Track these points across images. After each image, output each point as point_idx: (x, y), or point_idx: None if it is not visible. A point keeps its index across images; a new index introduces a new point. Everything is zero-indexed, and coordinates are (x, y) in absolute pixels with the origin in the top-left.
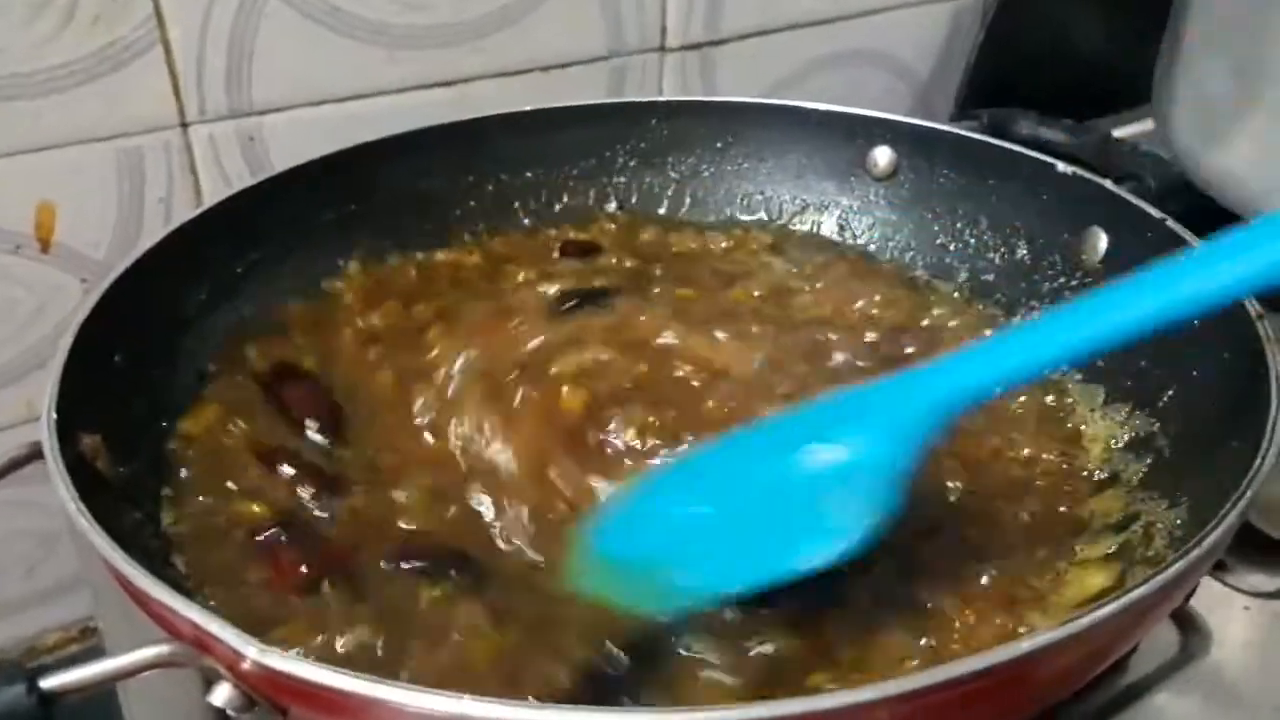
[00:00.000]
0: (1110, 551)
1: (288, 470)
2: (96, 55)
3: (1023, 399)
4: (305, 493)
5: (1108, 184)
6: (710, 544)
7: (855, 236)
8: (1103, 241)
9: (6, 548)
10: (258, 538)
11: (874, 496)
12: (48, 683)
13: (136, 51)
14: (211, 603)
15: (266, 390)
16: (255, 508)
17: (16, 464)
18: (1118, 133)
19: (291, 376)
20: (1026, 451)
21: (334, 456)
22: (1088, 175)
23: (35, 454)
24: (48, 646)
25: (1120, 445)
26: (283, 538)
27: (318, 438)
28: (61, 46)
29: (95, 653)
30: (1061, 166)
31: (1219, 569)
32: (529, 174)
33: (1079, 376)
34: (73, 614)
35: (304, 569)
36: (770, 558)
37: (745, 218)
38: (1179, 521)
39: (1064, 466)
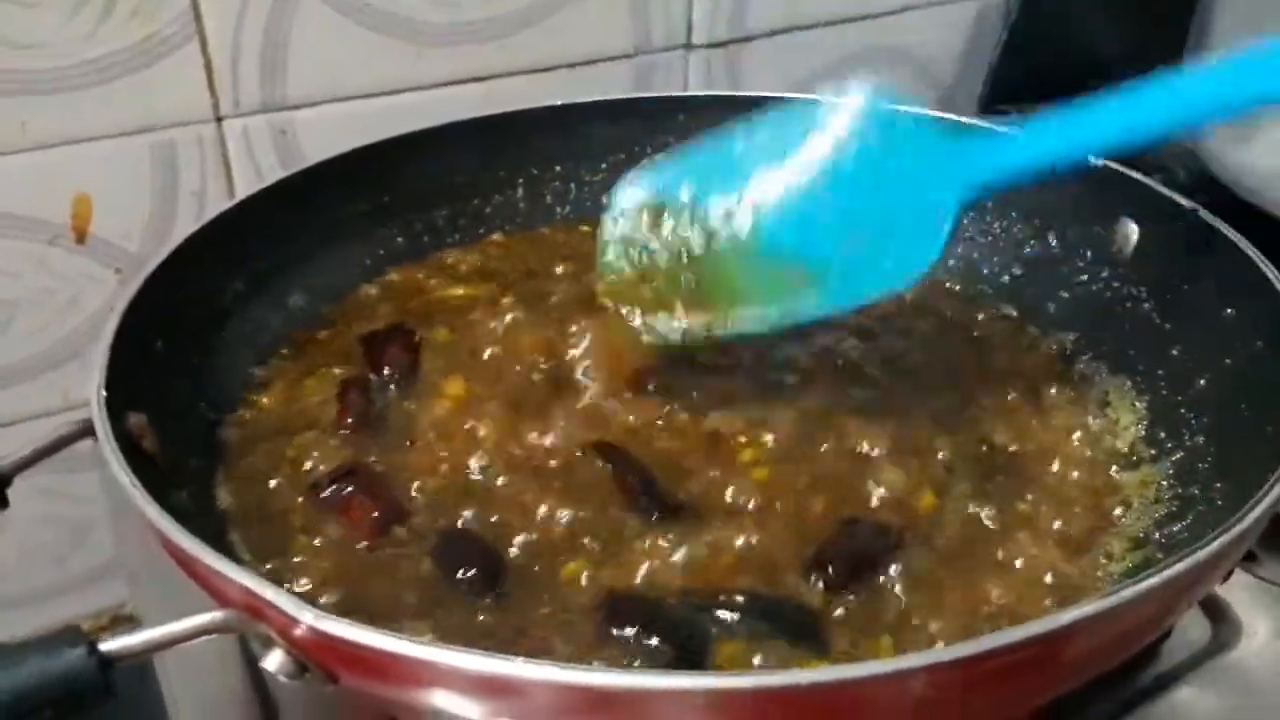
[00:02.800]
0: (1143, 535)
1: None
2: (134, 49)
3: (1053, 390)
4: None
5: (1138, 175)
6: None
7: None
8: (1134, 233)
9: (37, 536)
10: (323, 494)
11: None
12: (107, 646)
13: (173, 45)
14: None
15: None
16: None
17: (66, 441)
18: None
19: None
20: (1058, 441)
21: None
22: (1117, 167)
23: (85, 431)
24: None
25: (1153, 434)
26: (349, 488)
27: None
28: (100, 40)
29: None
30: (1092, 159)
31: (1251, 561)
32: (559, 168)
33: (1109, 366)
34: (102, 603)
35: (375, 514)
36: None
37: None
38: (1218, 504)
39: (1099, 456)
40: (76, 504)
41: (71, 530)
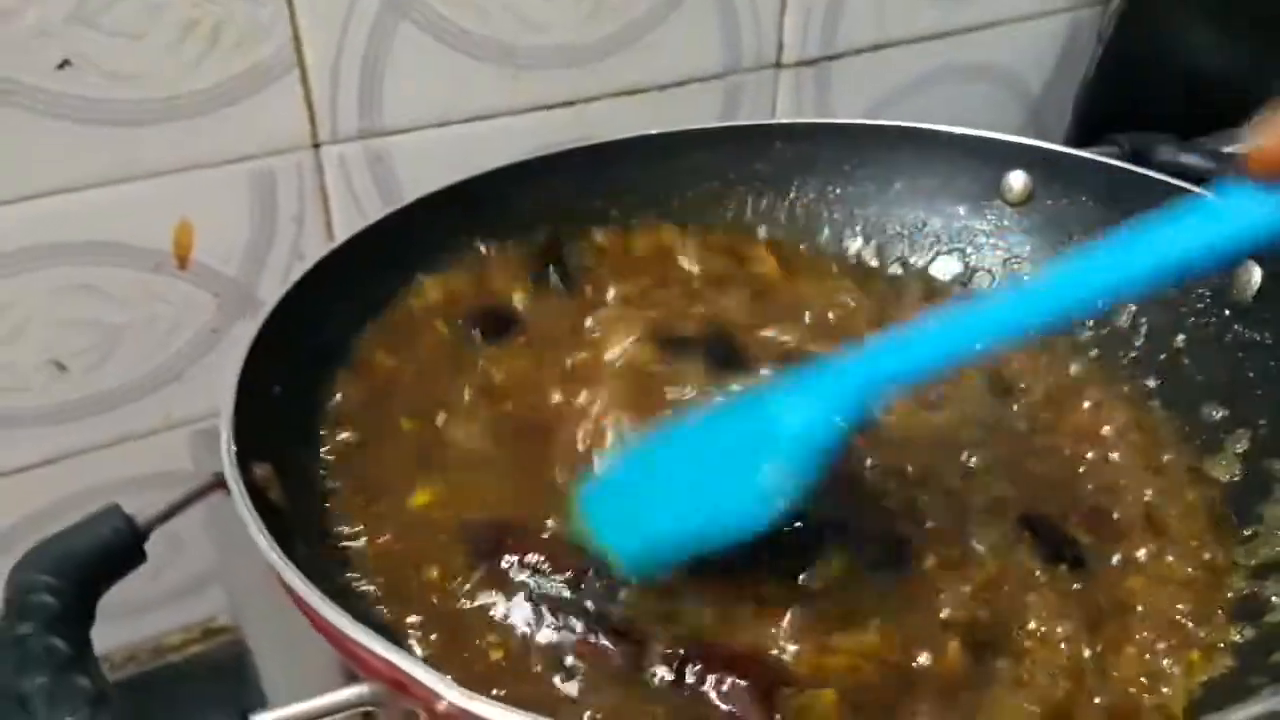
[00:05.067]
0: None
1: None
2: (237, 79)
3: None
4: None
5: None
6: (675, 506)
7: (987, 261)
8: (1256, 275)
9: None
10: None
11: (798, 467)
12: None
13: (274, 75)
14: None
15: None
16: None
17: (199, 494)
18: (1241, 148)
19: None
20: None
21: None
22: None
23: (216, 484)
24: (173, 646)
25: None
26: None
27: None
28: (204, 71)
29: (220, 652)
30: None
31: None
32: (665, 194)
33: (1231, 413)
34: (194, 615)
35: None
36: (718, 520)
37: (867, 242)
38: None
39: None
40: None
41: (166, 544)
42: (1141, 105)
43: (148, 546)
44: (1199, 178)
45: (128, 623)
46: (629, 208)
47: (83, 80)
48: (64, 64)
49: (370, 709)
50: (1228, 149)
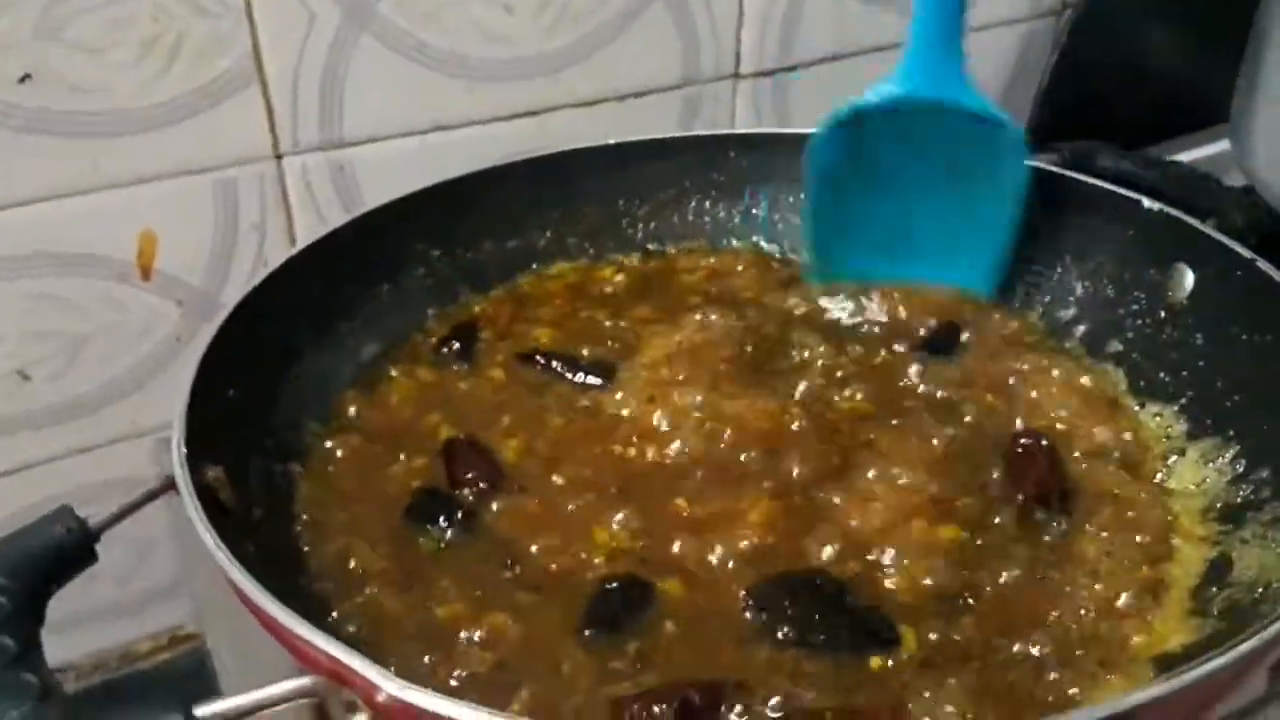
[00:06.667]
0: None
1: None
2: (198, 92)
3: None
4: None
5: (1194, 222)
6: None
7: None
8: (1189, 279)
9: (101, 556)
10: None
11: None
12: (201, 711)
13: (235, 87)
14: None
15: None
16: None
17: (151, 496)
18: (1193, 154)
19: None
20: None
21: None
22: (1174, 212)
23: (167, 486)
24: (141, 653)
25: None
26: None
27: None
28: (166, 84)
29: (187, 658)
30: (1147, 203)
31: None
32: (620, 203)
33: (1169, 410)
34: (162, 623)
35: None
36: None
37: None
38: None
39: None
40: (135, 524)
41: (135, 550)
42: (1095, 111)
43: (116, 554)
44: (1140, 186)
45: (96, 630)
46: (585, 216)
47: (45, 93)
48: (25, 77)
49: (320, 702)
50: (1167, 157)
